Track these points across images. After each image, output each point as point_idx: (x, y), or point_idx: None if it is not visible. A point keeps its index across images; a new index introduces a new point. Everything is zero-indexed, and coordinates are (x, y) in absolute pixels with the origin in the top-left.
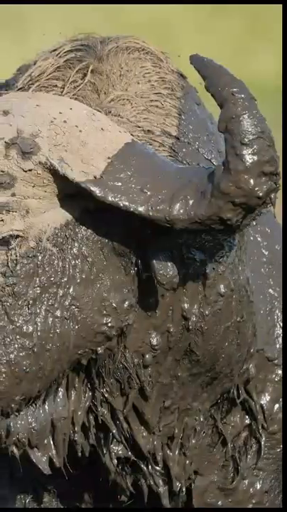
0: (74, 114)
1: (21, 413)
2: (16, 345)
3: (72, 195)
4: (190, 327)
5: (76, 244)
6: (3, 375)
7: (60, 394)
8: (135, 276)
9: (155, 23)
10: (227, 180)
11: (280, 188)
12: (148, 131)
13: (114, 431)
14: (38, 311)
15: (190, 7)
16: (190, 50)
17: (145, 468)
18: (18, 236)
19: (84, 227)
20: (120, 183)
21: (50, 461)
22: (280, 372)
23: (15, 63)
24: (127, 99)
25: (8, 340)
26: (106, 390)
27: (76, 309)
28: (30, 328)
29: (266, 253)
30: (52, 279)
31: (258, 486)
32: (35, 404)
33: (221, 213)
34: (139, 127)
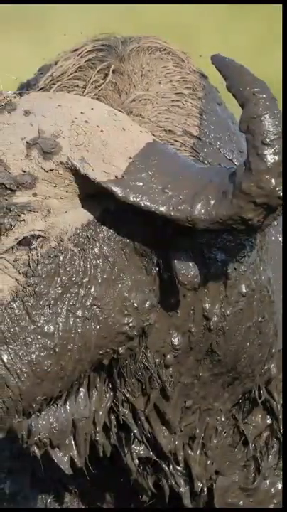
0: (95, 114)
1: (43, 413)
2: (38, 345)
3: (93, 195)
4: (212, 327)
5: (97, 244)
6: (25, 375)
7: (82, 394)
8: (156, 276)
9: (176, 24)
10: (249, 180)
11: None
12: (170, 131)
13: (136, 431)
14: (60, 311)
15: (211, 7)
16: (211, 50)
17: (166, 468)
18: (39, 236)
19: (105, 227)
20: (141, 183)
21: (72, 461)
22: None
23: (36, 63)
24: (148, 99)
25: (30, 340)
26: (128, 390)
27: (97, 309)
28: (52, 328)
29: None
30: (73, 279)
31: (280, 486)
32: (57, 404)
33: (243, 213)
34: (160, 127)
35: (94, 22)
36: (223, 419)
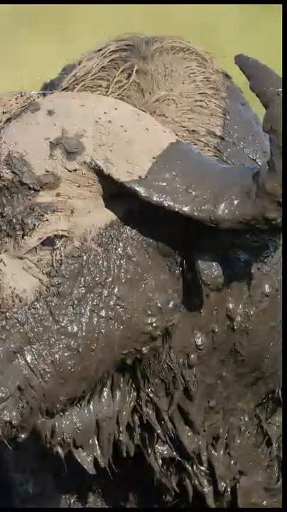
0: (119, 114)
1: (66, 413)
2: (61, 346)
3: (116, 195)
4: (235, 327)
5: (121, 244)
6: (48, 375)
7: (105, 394)
8: (180, 276)
9: (199, 24)
10: (272, 180)
11: None
12: (193, 131)
13: (159, 431)
14: (83, 311)
15: (234, 7)
16: (234, 50)
17: (190, 468)
18: (62, 236)
19: (128, 227)
20: (165, 183)
21: (95, 461)
22: None
23: (60, 63)
24: (172, 99)
25: (53, 340)
26: (151, 390)
27: (121, 309)
28: (75, 328)
29: None
30: (97, 279)
31: None
32: (80, 405)
33: (266, 213)
34: (184, 127)
35: (117, 22)
36: (246, 419)
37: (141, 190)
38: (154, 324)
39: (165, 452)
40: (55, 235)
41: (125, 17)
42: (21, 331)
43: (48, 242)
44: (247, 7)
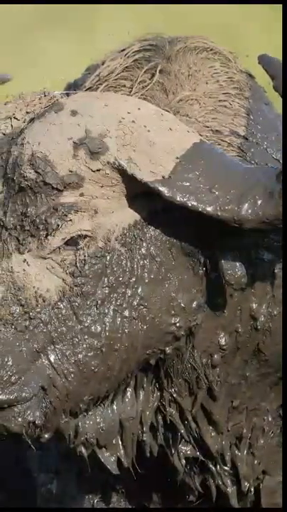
0: (142, 114)
1: (89, 413)
2: (85, 345)
3: (140, 195)
4: (259, 327)
5: (144, 244)
6: (72, 375)
7: (129, 394)
8: (203, 276)
9: (222, 24)
10: None
11: None
12: (217, 131)
13: (183, 431)
14: (107, 311)
15: (257, 7)
16: (258, 50)
17: (213, 468)
18: (86, 236)
19: (152, 227)
20: (188, 183)
21: (119, 461)
22: None
23: (83, 63)
24: (195, 99)
25: (77, 340)
26: (175, 390)
27: (144, 309)
28: (99, 328)
29: None
30: (120, 279)
31: None
32: (104, 405)
33: None
34: (207, 127)
35: (139, 22)
36: (270, 419)
37: (165, 190)
38: (177, 324)
39: (188, 452)
40: (79, 235)
41: (147, 17)
42: (45, 331)
43: (72, 242)
44: (267, 7)
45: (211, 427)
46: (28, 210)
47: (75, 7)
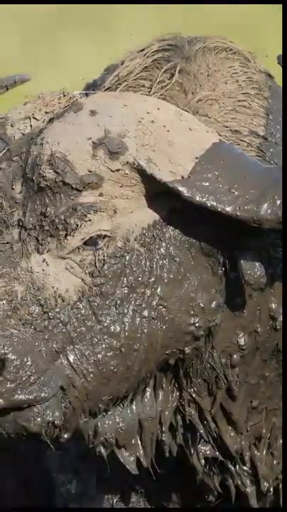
0: (161, 114)
1: (109, 413)
2: (104, 345)
3: (159, 195)
4: (278, 327)
5: (163, 244)
6: (91, 375)
7: (148, 394)
8: (222, 276)
9: (241, 24)
10: None
11: None
12: (236, 131)
13: (202, 431)
14: (126, 311)
15: (277, 7)
16: (277, 50)
17: (232, 468)
18: (105, 236)
19: (171, 227)
20: (207, 183)
21: (138, 461)
22: None
23: (102, 63)
24: (215, 99)
25: (96, 340)
26: (194, 390)
27: (163, 309)
28: (118, 328)
29: None
30: (139, 279)
31: None
32: (123, 404)
33: None
34: (227, 127)
35: (158, 22)
36: None
37: (184, 190)
38: (197, 324)
39: (207, 452)
40: (98, 235)
41: (165, 17)
42: (64, 331)
43: (91, 242)
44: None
45: (230, 427)
46: (47, 210)
47: (94, 7)
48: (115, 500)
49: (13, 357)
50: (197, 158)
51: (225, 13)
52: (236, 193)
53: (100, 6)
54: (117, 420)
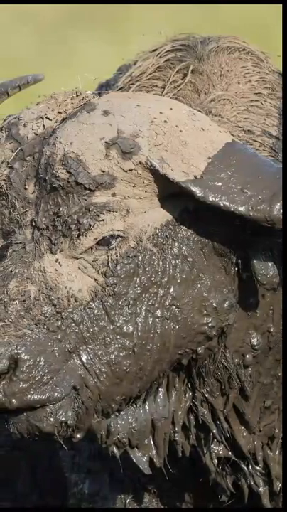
0: (174, 114)
1: (122, 413)
2: (117, 345)
3: (172, 195)
4: None
5: (176, 244)
6: (104, 375)
7: (161, 394)
8: (235, 276)
9: (254, 24)
10: None
11: None
12: (249, 131)
13: (215, 431)
14: (139, 311)
15: None
16: None
17: (245, 468)
18: (118, 236)
19: (184, 227)
20: (220, 183)
21: (151, 461)
22: None
23: (115, 63)
24: (227, 99)
25: (109, 340)
26: (207, 390)
27: (176, 309)
28: (131, 328)
29: None
30: (152, 279)
31: None
32: (136, 404)
33: None
34: (239, 127)
35: (171, 22)
36: None
37: (197, 190)
38: (210, 324)
39: (220, 452)
40: (111, 235)
41: (179, 17)
42: (77, 330)
43: (104, 242)
44: None
45: (243, 427)
46: (60, 210)
47: (107, 7)
48: (128, 500)
49: (26, 357)
50: (209, 158)
51: (238, 13)
52: (249, 193)
53: (113, 6)
54: (130, 420)
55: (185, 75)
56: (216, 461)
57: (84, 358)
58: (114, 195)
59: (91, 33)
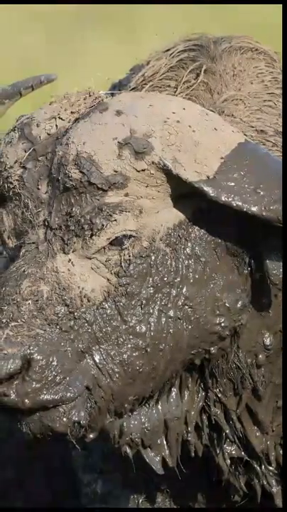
0: (187, 114)
1: (134, 413)
2: (129, 345)
3: (185, 195)
4: None
5: (189, 244)
6: (117, 375)
7: (173, 394)
8: (248, 276)
9: (267, 24)
10: None
11: None
12: (261, 131)
13: (227, 431)
14: (151, 311)
15: None
16: None
17: (258, 468)
18: (131, 236)
19: (197, 227)
20: (233, 183)
21: (163, 461)
22: None
23: (128, 63)
24: (240, 99)
25: (122, 340)
26: (220, 390)
27: (189, 309)
28: (144, 328)
29: None
30: (165, 279)
31: None
32: (149, 404)
33: None
34: (252, 127)
35: (184, 22)
36: None
37: (210, 190)
38: (222, 324)
39: (233, 452)
40: (124, 235)
41: (192, 17)
42: (89, 330)
43: (116, 242)
44: None
45: (256, 427)
46: (73, 210)
47: (120, 7)
48: (141, 501)
49: (38, 357)
50: (222, 158)
51: (250, 13)
52: (261, 193)
53: (126, 5)
54: (143, 420)
55: (198, 75)
56: (229, 461)
57: (97, 358)
58: (126, 195)
59: (104, 33)
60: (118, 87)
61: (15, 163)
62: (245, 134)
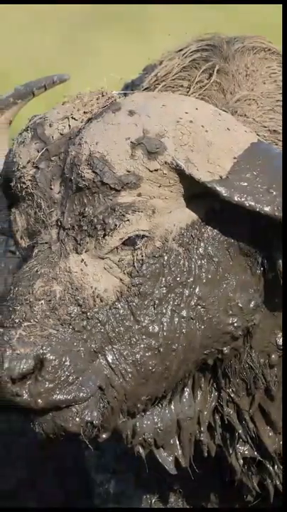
0: (200, 114)
1: (147, 413)
2: (142, 345)
3: (197, 194)
4: None
5: (202, 244)
6: (129, 375)
7: (186, 394)
8: (261, 276)
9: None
10: None
11: None
12: (274, 131)
13: (240, 431)
14: (164, 311)
15: None
16: None
17: (271, 468)
18: (144, 236)
19: (210, 227)
20: (246, 183)
21: (176, 461)
22: None
23: (141, 63)
24: (253, 99)
25: (134, 340)
26: (232, 390)
27: (202, 309)
28: (156, 328)
29: None
30: (178, 279)
31: None
32: (161, 405)
33: None
34: (265, 127)
35: (196, 22)
36: None
37: (222, 190)
38: (235, 324)
39: (246, 452)
40: (136, 235)
41: (204, 17)
42: (102, 330)
43: (129, 242)
44: None
45: (268, 427)
46: (86, 210)
47: (133, 7)
48: (153, 500)
49: (51, 357)
50: (235, 158)
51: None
52: (274, 192)
53: (139, 6)
54: (156, 420)
55: (211, 75)
56: (241, 461)
57: (109, 358)
58: (139, 195)
59: (116, 34)
60: (131, 87)
61: (28, 163)
62: (258, 134)
